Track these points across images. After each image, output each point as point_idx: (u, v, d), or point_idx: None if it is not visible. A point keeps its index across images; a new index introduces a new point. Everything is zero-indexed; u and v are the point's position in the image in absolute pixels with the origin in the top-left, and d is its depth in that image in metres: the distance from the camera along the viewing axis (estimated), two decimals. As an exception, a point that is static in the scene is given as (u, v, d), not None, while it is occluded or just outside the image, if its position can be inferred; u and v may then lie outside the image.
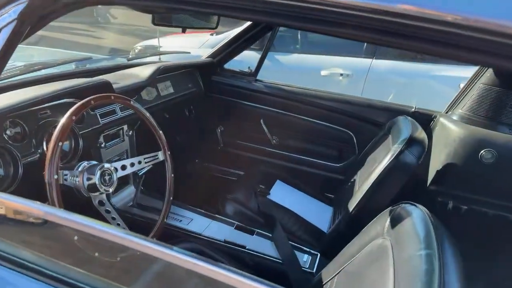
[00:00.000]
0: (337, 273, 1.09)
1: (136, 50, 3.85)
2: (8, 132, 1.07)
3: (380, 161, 1.44)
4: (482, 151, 1.64)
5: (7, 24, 0.55)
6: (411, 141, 1.40)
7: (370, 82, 3.22)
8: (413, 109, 1.92)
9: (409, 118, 1.68)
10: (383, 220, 1.02)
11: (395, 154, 1.37)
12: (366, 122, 2.00)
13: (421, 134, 1.51)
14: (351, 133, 2.06)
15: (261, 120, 2.18)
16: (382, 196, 1.41)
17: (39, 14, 0.57)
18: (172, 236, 1.48)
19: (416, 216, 0.93)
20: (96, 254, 0.64)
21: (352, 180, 1.77)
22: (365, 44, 3.36)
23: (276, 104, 2.14)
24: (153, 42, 3.96)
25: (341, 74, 3.32)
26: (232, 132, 2.30)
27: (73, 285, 0.58)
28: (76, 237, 0.73)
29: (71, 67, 1.55)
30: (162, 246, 0.57)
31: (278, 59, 3.49)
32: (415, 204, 0.99)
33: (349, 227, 1.48)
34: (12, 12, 0.58)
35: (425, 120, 1.91)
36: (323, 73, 3.37)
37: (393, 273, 0.80)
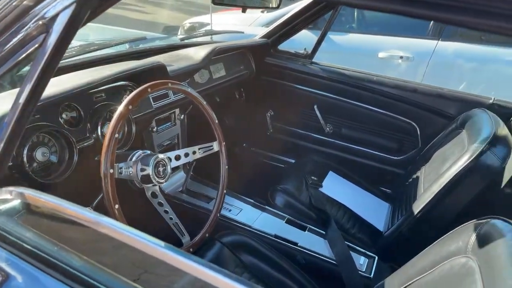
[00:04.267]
0: (405, 287, 0.98)
1: (186, 27, 3.80)
2: (64, 115, 1.05)
3: (454, 161, 1.28)
4: None
5: (65, 8, 0.48)
6: (494, 140, 1.22)
7: (434, 66, 2.94)
8: (491, 101, 1.70)
9: (488, 111, 1.49)
10: (466, 235, 0.88)
11: (475, 155, 1.21)
12: (434, 113, 1.81)
13: (504, 131, 1.32)
14: (414, 124, 1.88)
15: (315, 106, 2.05)
16: (455, 201, 1.26)
17: (100, -3, 0.50)
18: (221, 227, 1.43)
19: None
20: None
21: (415, 176, 1.62)
22: (431, 23, 3.07)
23: (332, 89, 2.00)
24: (203, 18, 3.88)
25: (401, 57, 3.06)
26: (283, 117, 2.19)
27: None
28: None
29: (126, 47, 1.51)
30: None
31: (332, 39, 3.29)
32: (508, 220, 0.85)
33: (413, 231, 1.35)
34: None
35: (505, 114, 1.69)
36: (380, 55, 3.13)
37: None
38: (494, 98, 1.70)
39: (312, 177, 1.76)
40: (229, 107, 2.10)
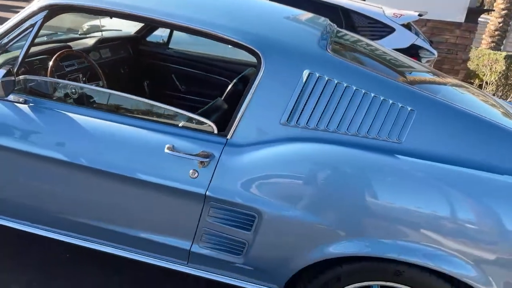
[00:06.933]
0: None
1: (84, 29, 4.78)
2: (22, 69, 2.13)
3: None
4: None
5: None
6: (242, 78, 2.61)
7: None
8: (262, 64, 3.14)
9: (253, 68, 2.88)
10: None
11: (234, 83, 2.57)
12: (236, 72, 3.20)
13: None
14: (228, 81, 3.25)
15: (173, 75, 3.32)
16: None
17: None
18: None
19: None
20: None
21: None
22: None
23: (182, 64, 3.28)
24: (97, 22, 4.89)
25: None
26: (155, 84, 3.41)
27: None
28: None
29: (44, 38, 2.58)
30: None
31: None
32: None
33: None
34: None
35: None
36: (231, 45, 4.51)
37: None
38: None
39: (170, 114, 3.01)
40: (117, 78, 3.25)
